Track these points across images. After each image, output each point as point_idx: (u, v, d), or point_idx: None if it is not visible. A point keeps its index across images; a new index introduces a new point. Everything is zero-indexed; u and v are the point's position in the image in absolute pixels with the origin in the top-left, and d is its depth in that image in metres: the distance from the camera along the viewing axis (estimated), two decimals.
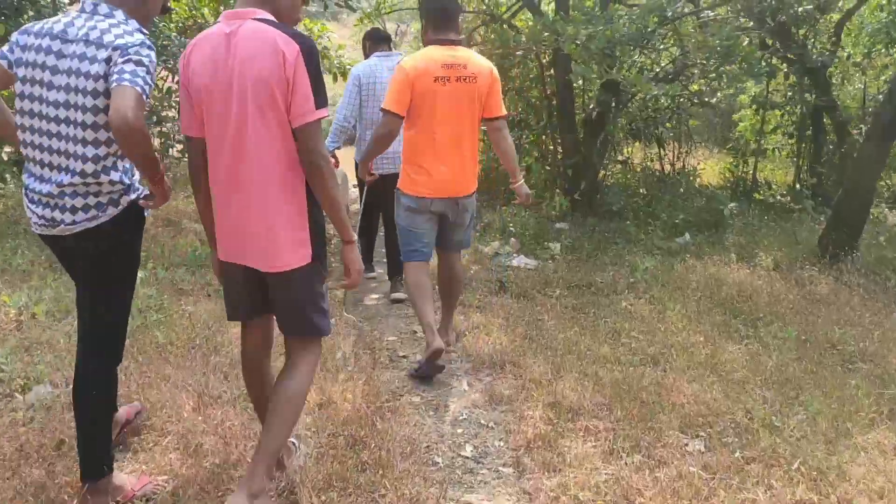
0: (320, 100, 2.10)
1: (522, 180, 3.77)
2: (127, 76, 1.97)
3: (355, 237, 2.34)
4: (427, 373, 3.50)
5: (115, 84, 1.96)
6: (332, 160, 3.58)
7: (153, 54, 2.09)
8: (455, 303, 3.90)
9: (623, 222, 6.92)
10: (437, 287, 3.90)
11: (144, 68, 2.01)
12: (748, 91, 9.14)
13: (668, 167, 9.28)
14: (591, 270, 5.48)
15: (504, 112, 3.60)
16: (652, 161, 9.42)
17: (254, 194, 2.14)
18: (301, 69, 2.04)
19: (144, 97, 1.99)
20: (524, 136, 8.06)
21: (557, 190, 6.99)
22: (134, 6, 2.18)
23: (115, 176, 2.13)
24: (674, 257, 5.99)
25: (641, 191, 7.51)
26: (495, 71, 3.55)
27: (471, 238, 3.99)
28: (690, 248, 6.29)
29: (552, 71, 7.65)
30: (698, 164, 9.62)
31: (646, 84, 5.19)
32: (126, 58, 2.01)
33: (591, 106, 7.54)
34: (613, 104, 7.08)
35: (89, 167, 2.08)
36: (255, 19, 2.10)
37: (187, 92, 2.19)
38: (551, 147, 7.83)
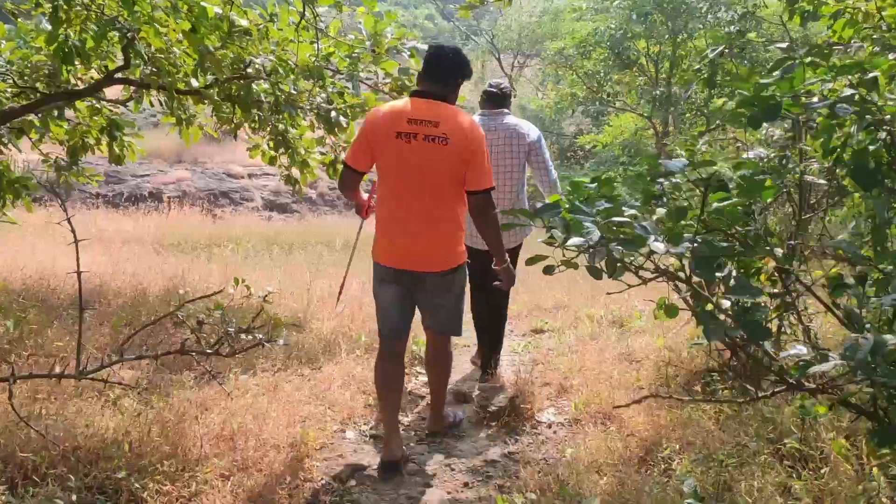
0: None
1: (508, 263, 3.30)
2: None
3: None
4: (382, 477, 3.22)
5: None
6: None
7: None
8: (439, 388, 3.57)
9: None
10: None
11: None
12: None
13: None
14: None
15: (489, 184, 3.07)
16: None
17: None
18: None
19: None
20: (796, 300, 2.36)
21: None
22: None
23: None
24: None
25: None
26: (478, 132, 3.04)
27: (460, 324, 3.40)
28: None
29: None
30: None
31: None
32: None
33: None
34: None
35: None
36: None
37: None
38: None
